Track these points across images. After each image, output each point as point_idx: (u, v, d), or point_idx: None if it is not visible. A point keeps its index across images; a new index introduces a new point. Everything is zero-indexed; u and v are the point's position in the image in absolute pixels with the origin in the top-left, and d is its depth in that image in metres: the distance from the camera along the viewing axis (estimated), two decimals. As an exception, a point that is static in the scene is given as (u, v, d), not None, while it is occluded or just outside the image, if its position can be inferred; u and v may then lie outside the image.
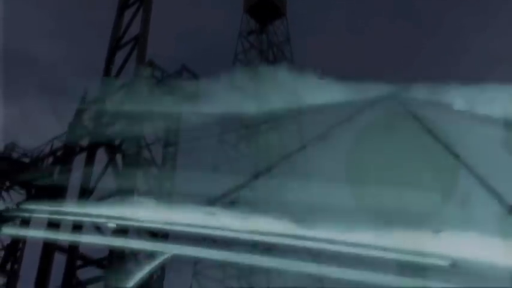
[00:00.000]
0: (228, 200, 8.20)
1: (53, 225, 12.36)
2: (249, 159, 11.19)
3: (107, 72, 19.03)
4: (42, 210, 9.67)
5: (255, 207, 7.34)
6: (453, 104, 18.23)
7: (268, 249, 6.16)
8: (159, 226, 7.26)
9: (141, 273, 6.90)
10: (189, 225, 6.96)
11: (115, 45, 19.25)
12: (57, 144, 18.78)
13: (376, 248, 5.75)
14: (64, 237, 9.75)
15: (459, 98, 17.98)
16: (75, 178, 14.42)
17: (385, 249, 5.74)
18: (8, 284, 17.15)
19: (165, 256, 6.80)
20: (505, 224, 6.52)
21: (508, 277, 5.13)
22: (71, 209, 9.78)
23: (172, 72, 21.39)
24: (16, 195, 17.74)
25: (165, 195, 8.88)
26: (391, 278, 5.39)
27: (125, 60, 18.76)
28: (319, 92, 17.38)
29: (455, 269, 5.34)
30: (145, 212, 7.72)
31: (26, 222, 15.50)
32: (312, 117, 16.06)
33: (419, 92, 21.53)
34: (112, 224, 7.79)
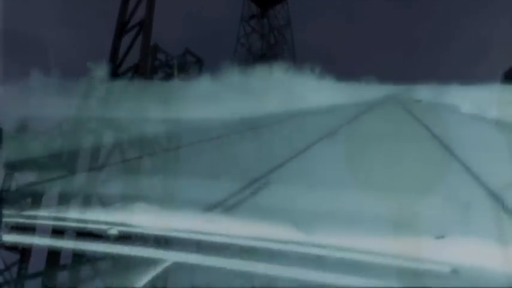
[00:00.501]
0: (227, 205, 8.10)
1: (57, 231, 12.30)
2: (246, 164, 10.91)
3: (113, 56, 19.19)
4: (43, 216, 9.45)
5: (255, 212, 7.28)
6: (455, 106, 18.12)
7: (269, 255, 6.07)
8: (159, 233, 7.14)
9: (142, 280, 6.79)
10: (188, 231, 6.87)
11: (121, 30, 19.37)
12: (66, 126, 18.90)
13: (377, 254, 5.74)
14: (67, 244, 9.48)
15: (461, 99, 17.83)
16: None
17: (386, 255, 5.74)
18: (21, 261, 17.38)
19: (166, 263, 6.68)
20: (504, 228, 6.53)
21: (509, 283, 5.15)
22: (73, 215, 9.62)
23: (176, 56, 21.48)
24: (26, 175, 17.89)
25: (165, 201, 8.68)
26: (393, 284, 5.40)
27: (131, 45, 18.95)
28: (320, 94, 17.34)
29: (457, 275, 5.35)
30: (145, 219, 7.63)
31: (27, 229, 15.33)
32: (313, 119, 15.92)
33: (421, 94, 21.41)
34: (114, 231, 7.62)
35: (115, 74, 18.95)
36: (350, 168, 9.81)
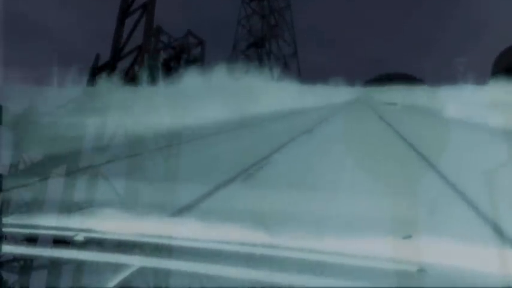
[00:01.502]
0: (195, 209, 8.00)
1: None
2: (215, 168, 10.70)
3: (116, 38, 19.14)
4: (12, 224, 9.13)
5: (221, 216, 7.21)
6: (426, 107, 17.97)
7: (236, 258, 5.97)
8: (126, 238, 7.03)
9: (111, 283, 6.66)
10: (156, 236, 6.80)
11: (124, 13, 19.27)
12: (72, 107, 18.94)
13: (345, 255, 5.72)
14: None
15: (433, 100, 17.68)
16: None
17: (354, 256, 5.71)
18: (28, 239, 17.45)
19: (132, 268, 6.57)
20: (474, 229, 6.52)
21: (478, 282, 5.16)
22: (41, 223, 9.26)
23: (178, 37, 21.45)
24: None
25: (132, 205, 8.48)
26: (362, 285, 5.37)
27: (134, 27, 18.88)
28: (290, 96, 17.20)
29: (424, 274, 5.33)
30: (111, 224, 7.53)
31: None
32: (282, 121, 15.75)
33: (389, 95, 21.18)
34: (79, 237, 7.49)
35: (118, 56, 18.94)
36: (317, 170, 9.77)
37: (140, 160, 12.50)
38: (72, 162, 13.66)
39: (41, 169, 16.25)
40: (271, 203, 7.46)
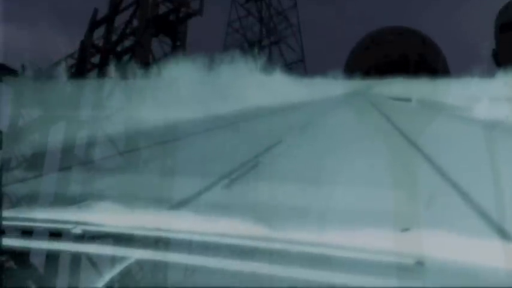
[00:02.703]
0: (194, 203, 7.83)
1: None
2: (215, 161, 10.39)
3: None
4: (12, 217, 8.87)
5: (221, 209, 7.05)
6: (425, 100, 17.54)
7: (236, 252, 5.84)
8: (124, 231, 6.89)
9: (108, 276, 6.54)
10: (153, 229, 6.67)
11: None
12: (71, 62, 18.70)
13: (343, 248, 5.61)
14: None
15: (430, 93, 17.24)
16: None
17: (352, 249, 5.60)
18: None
19: (129, 261, 6.45)
20: (472, 222, 6.39)
21: (475, 275, 5.08)
22: (38, 216, 9.02)
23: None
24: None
25: (130, 199, 8.21)
26: (360, 278, 5.29)
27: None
28: (287, 91, 16.74)
29: (422, 267, 5.24)
30: (109, 217, 7.38)
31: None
32: (281, 115, 15.36)
33: (388, 88, 20.56)
34: (77, 230, 7.35)
35: (116, 10, 18.45)
36: (318, 164, 9.57)
37: (138, 153, 12.29)
38: (69, 154, 13.48)
39: (39, 127, 16.11)
40: (270, 197, 7.33)
